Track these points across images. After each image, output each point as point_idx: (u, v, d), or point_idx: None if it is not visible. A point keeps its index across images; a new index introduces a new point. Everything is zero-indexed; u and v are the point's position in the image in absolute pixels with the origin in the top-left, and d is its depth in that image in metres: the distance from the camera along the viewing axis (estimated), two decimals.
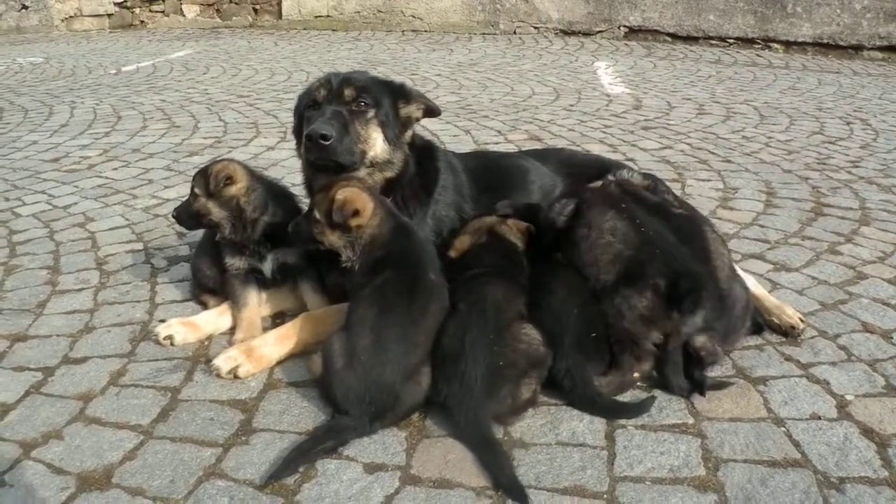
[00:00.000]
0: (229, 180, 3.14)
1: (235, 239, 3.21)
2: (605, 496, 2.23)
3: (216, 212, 3.17)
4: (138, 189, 5.30)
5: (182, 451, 2.48)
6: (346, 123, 3.11)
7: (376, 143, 3.19)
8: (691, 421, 2.59)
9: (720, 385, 2.77)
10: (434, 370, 2.61)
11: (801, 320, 3.20)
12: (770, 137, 6.55)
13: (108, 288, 3.72)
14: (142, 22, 16.77)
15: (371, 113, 3.19)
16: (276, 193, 3.32)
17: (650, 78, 9.45)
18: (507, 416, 2.57)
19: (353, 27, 14.92)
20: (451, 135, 6.61)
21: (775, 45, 11.76)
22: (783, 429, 2.55)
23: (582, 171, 3.73)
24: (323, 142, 3.01)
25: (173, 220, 3.37)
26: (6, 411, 2.71)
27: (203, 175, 3.17)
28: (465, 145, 6.24)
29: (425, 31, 14.48)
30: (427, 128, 6.75)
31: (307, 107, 3.26)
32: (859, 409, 2.68)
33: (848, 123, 7.14)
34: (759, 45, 11.87)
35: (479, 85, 9.03)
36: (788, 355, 3.02)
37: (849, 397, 2.74)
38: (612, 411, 2.64)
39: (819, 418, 2.62)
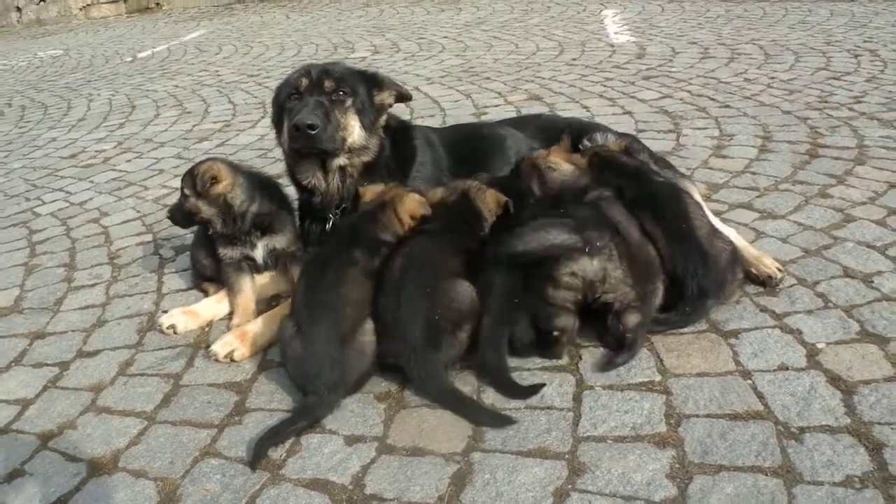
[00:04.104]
0: (214, 179, 3.30)
1: (226, 232, 3.37)
2: (566, 456, 2.34)
3: (206, 209, 3.34)
4: (149, 180, 5.49)
5: (181, 433, 2.67)
6: (328, 112, 3.28)
7: (354, 130, 3.36)
8: (658, 378, 2.68)
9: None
10: (378, 331, 2.77)
11: (780, 269, 3.24)
12: (772, 78, 6.50)
13: (119, 281, 3.93)
14: (157, 4, 16.93)
15: (349, 102, 3.35)
16: (261, 184, 3.47)
17: (657, 23, 9.35)
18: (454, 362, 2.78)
19: None
20: (452, 100, 6.68)
21: None
22: (749, 381, 2.62)
23: (559, 135, 3.80)
24: (310, 131, 3.18)
25: (168, 220, 3.55)
26: (26, 406, 2.94)
27: (190, 176, 3.33)
28: (465, 110, 6.32)
29: None
30: (429, 95, 6.85)
31: (287, 97, 3.40)
32: (829, 357, 2.71)
33: (856, 56, 7.03)
34: None
35: (484, 45, 9.04)
36: (764, 306, 3.06)
37: (820, 345, 2.78)
38: (508, 390, 2.72)
39: (787, 369, 2.67)
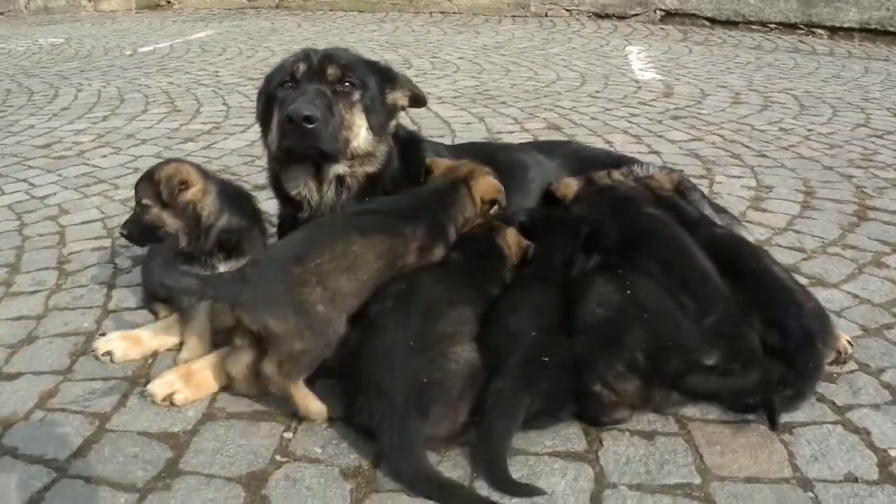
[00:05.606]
0: (184, 185, 2.76)
1: (188, 249, 2.83)
2: None
3: (171, 222, 2.81)
4: (122, 178, 4.95)
5: (93, 495, 2.12)
6: (330, 105, 2.68)
7: (360, 132, 2.77)
8: (698, 481, 2.13)
9: None
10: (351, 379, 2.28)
11: (850, 342, 2.74)
12: (810, 130, 5.98)
13: (63, 291, 3.38)
14: (168, 2, 16.52)
15: (356, 95, 2.78)
16: (231, 195, 2.93)
17: (684, 64, 8.86)
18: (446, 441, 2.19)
19: (380, 9, 14.52)
20: (463, 122, 6.15)
21: (819, 31, 11.06)
22: (810, 494, 2.10)
23: (590, 166, 3.25)
24: (307, 124, 2.58)
25: (123, 238, 3.00)
26: None
27: (151, 182, 2.78)
28: (477, 133, 5.81)
29: (454, 13, 14.01)
30: (440, 114, 6.35)
31: (279, 85, 2.81)
32: None
33: None
34: (802, 31, 11.17)
35: (501, 69, 8.53)
36: (821, 395, 2.53)
37: (893, 453, 2.27)
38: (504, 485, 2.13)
39: (856, 481, 2.15)
